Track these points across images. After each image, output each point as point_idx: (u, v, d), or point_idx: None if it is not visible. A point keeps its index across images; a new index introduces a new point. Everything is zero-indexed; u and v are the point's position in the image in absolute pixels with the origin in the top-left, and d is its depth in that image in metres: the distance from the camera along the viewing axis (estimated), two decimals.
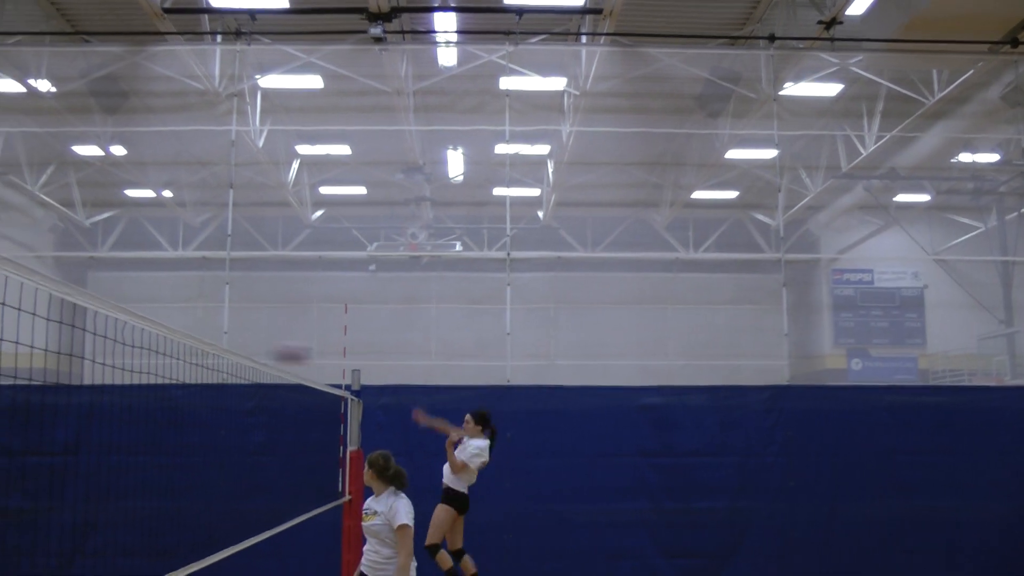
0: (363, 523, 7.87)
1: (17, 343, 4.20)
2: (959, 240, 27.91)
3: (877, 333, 31.19)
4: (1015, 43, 16.70)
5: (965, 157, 24.07)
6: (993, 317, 26.52)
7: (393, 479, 7.97)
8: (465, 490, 11.08)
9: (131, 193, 26.86)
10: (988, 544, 13.81)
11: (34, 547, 10.80)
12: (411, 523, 7.79)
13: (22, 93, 19.10)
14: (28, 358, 4.59)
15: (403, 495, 7.97)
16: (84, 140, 22.21)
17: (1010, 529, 13.85)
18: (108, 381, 5.34)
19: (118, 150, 22.86)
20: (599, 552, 13.54)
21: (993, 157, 24.30)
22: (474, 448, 10.99)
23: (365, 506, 7.99)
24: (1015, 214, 24.53)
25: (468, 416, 11.24)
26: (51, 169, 23.71)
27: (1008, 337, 26.44)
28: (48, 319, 4.38)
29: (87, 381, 5.47)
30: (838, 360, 30.74)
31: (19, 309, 3.96)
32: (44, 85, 18.73)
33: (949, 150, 22.66)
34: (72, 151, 23.40)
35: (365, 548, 7.93)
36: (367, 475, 8.04)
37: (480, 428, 11.20)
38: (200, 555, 6.23)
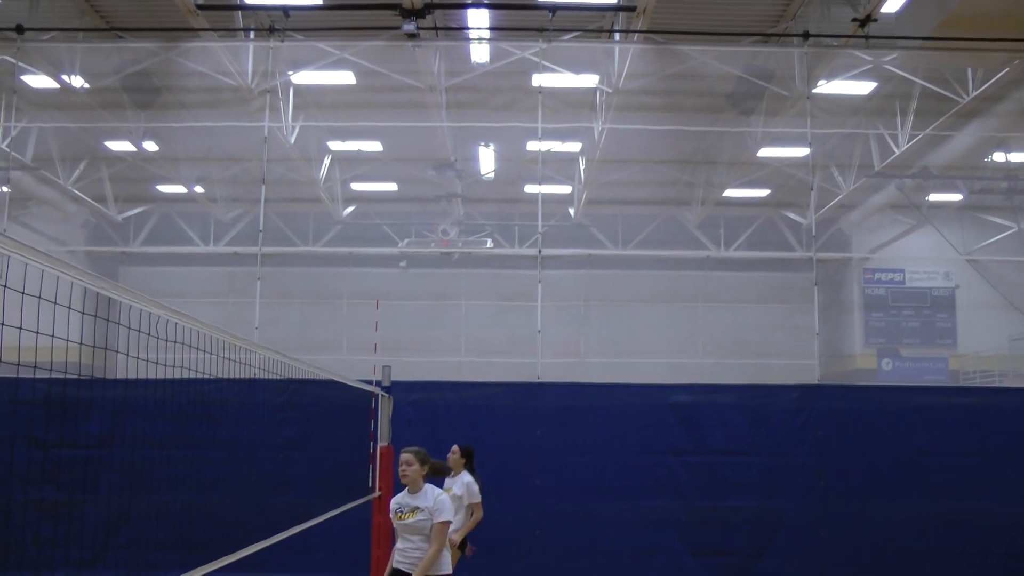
0: (401, 521, 7.75)
1: (53, 336, 4.23)
2: (991, 240, 27.68)
3: (908, 333, 30.97)
4: None
5: (998, 156, 23.87)
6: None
7: (434, 474, 8.02)
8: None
9: (163, 188, 27.01)
10: (1014, 545, 13.73)
11: (68, 539, 10.90)
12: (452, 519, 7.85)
13: (55, 89, 19.21)
14: (63, 352, 4.63)
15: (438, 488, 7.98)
16: (116, 136, 22.33)
17: None
18: (140, 375, 5.37)
19: (150, 146, 22.98)
20: (628, 550, 13.54)
21: None
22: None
23: (398, 504, 7.85)
24: None
25: (455, 448, 10.87)
26: (83, 164, 23.84)
27: None
28: (83, 312, 4.42)
29: (120, 375, 5.49)
30: (868, 360, 30.55)
31: (55, 303, 3.99)
32: (77, 81, 18.82)
33: (982, 149, 22.46)
34: (105, 147, 23.54)
35: (401, 546, 7.81)
36: (418, 471, 7.87)
37: (464, 462, 10.82)
38: (230, 550, 6.26)
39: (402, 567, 7.77)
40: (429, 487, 7.88)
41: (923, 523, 13.75)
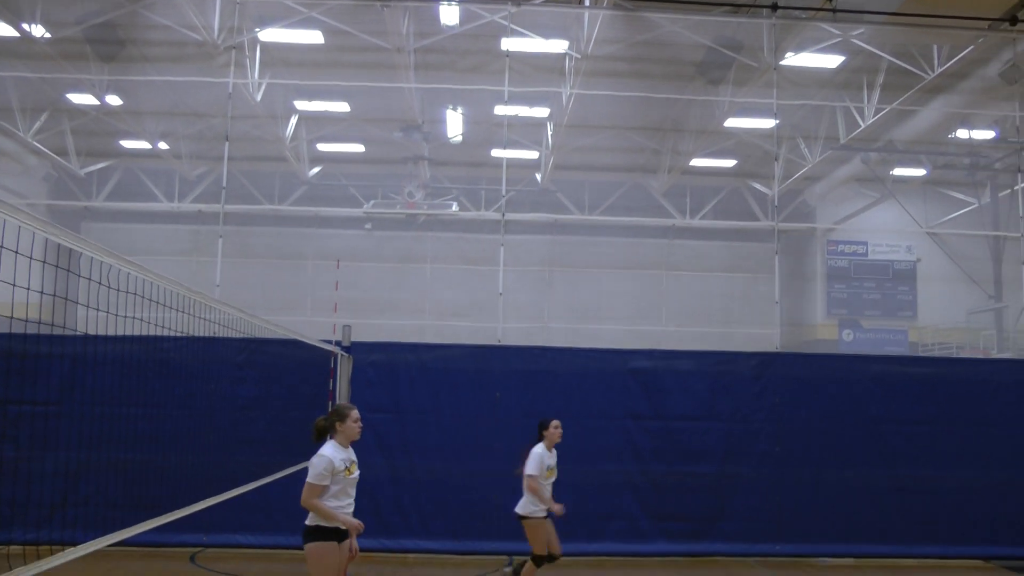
0: (349, 476, 7.52)
1: (14, 286, 4.21)
2: (953, 215, 27.98)
3: (869, 305, 31.28)
4: (1014, 21, 16.73)
5: (962, 133, 24.05)
6: (983, 291, 26.61)
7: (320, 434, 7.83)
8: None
9: (127, 144, 26.74)
10: (967, 512, 14.00)
11: (28, 498, 10.85)
12: None
13: (16, 38, 18.88)
14: (23, 308, 4.61)
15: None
16: (79, 88, 22.02)
17: (987, 498, 14.04)
18: (100, 330, 5.34)
19: (114, 99, 22.70)
20: (586, 513, 13.63)
21: (989, 134, 24.29)
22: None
23: (342, 459, 7.49)
24: (1008, 191, 24.54)
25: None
26: (45, 116, 23.58)
27: (996, 311, 26.55)
28: (44, 262, 4.40)
29: (80, 330, 5.46)
30: (830, 330, 30.84)
31: (16, 252, 3.97)
32: (39, 30, 18.53)
33: (946, 125, 22.66)
34: (67, 99, 23.25)
35: (343, 503, 7.49)
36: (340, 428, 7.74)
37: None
38: (185, 503, 6.27)
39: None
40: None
41: (877, 489, 13.96)
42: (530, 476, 10.13)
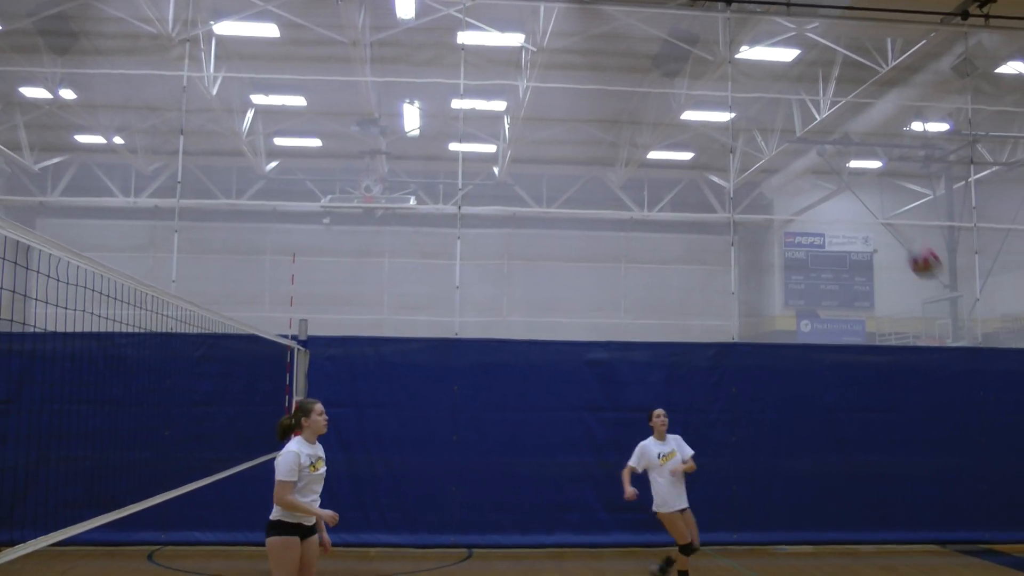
0: (315, 472, 7.51)
1: None
2: (909, 207, 28.26)
3: (827, 296, 31.55)
4: (966, 15, 16.95)
5: (916, 126, 24.33)
6: (938, 281, 26.89)
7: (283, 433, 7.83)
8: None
9: (81, 138, 26.45)
10: (922, 497, 14.21)
11: None
12: None
13: None
14: None
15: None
16: (32, 81, 21.74)
17: (942, 483, 14.26)
18: (57, 327, 5.30)
19: (68, 93, 22.44)
20: (544, 504, 13.71)
21: (943, 126, 24.60)
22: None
23: (308, 456, 7.49)
24: (962, 182, 24.77)
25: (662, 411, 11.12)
26: None
27: (951, 301, 26.83)
28: (3, 259, 4.36)
29: (36, 326, 5.41)
30: (788, 321, 31.06)
31: None
32: None
33: (901, 118, 22.90)
34: (19, 93, 22.96)
35: (310, 499, 7.48)
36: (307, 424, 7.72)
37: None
38: (140, 498, 6.25)
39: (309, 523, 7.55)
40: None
41: (833, 476, 14.14)
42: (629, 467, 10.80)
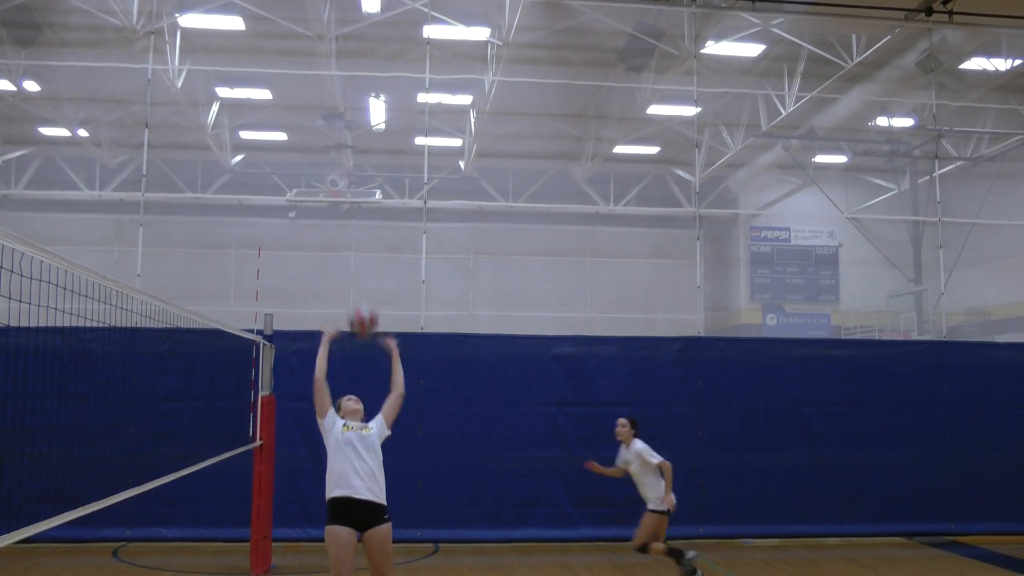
0: (345, 432, 7.60)
1: None
2: (873, 201, 28.52)
3: (792, 289, 31.78)
4: (929, 11, 17.08)
5: (881, 121, 24.55)
6: (903, 275, 27.12)
7: None
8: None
9: (45, 131, 26.24)
10: (888, 490, 14.33)
11: None
12: None
13: None
14: None
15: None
16: None
17: (908, 476, 14.37)
18: (18, 323, 5.25)
19: (31, 85, 22.25)
20: (512, 499, 13.71)
21: (908, 122, 24.82)
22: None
23: (344, 421, 7.73)
24: (927, 177, 25.01)
25: (623, 420, 11.18)
26: None
27: (916, 294, 27.09)
28: None
29: None
30: (754, 315, 31.26)
31: None
32: None
33: (866, 113, 23.09)
34: None
35: (356, 467, 7.47)
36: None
37: (633, 433, 11.13)
38: (104, 495, 6.21)
39: (363, 495, 7.45)
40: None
41: (799, 471, 14.22)
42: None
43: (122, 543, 12.98)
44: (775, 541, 14.06)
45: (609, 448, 13.85)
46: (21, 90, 22.13)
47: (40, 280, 5.11)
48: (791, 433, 14.34)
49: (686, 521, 13.82)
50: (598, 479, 13.64)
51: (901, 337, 26.09)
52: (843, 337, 28.59)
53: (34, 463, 6.89)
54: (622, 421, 11.12)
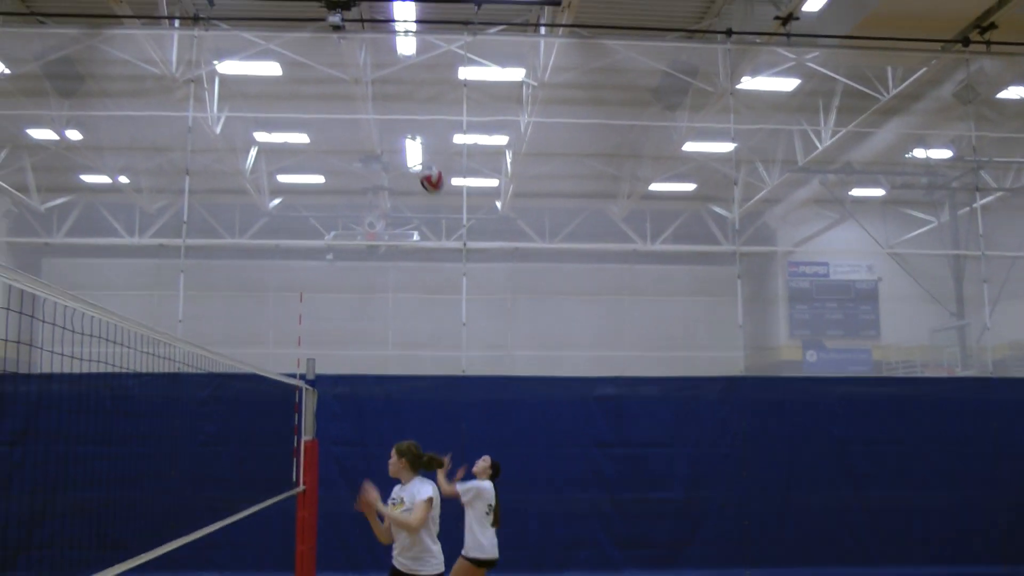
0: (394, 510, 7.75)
1: None
2: (913, 234, 28.27)
3: (832, 325, 31.50)
4: (967, 42, 16.97)
5: (919, 153, 24.39)
6: (945, 309, 26.83)
7: (427, 465, 7.99)
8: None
9: (87, 178, 26.54)
10: (935, 531, 14.10)
11: None
12: (437, 497, 7.83)
13: None
14: None
15: (429, 480, 7.99)
16: (39, 123, 21.88)
17: (956, 516, 14.13)
18: (60, 369, 5.29)
19: (74, 134, 22.56)
20: (554, 542, 13.62)
21: (946, 153, 24.64)
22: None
23: (392, 495, 7.93)
24: (966, 209, 24.79)
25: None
26: (4, 153, 23.37)
27: (959, 329, 26.76)
28: (7, 308, 4.35)
29: (41, 370, 5.39)
30: (793, 352, 30.99)
31: None
32: None
33: (903, 146, 22.95)
34: (26, 134, 23.08)
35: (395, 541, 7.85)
36: (397, 465, 7.95)
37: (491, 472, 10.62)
38: (151, 546, 6.20)
39: (395, 563, 7.82)
40: (417, 479, 7.92)
41: (845, 511, 14.04)
42: None
43: None
44: None
45: (653, 489, 13.78)
46: (64, 139, 22.43)
47: (92, 336, 5.14)
48: (836, 473, 14.17)
49: (732, 563, 13.69)
50: (642, 520, 13.55)
51: (945, 372, 25.80)
52: (884, 372, 28.32)
53: (78, 508, 6.90)
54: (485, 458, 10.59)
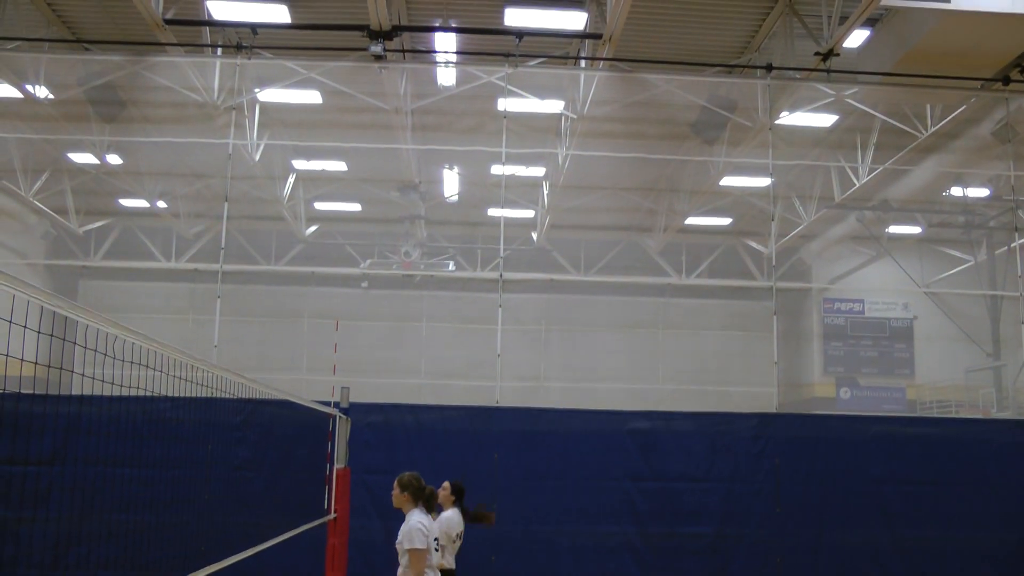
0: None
1: (7, 355, 4.19)
2: (949, 273, 28.06)
3: (866, 363, 31.29)
4: (1007, 81, 16.87)
5: (956, 191, 24.27)
6: (981, 350, 26.61)
7: (428, 500, 7.94)
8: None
9: (125, 203, 26.84)
10: (970, 574, 13.88)
11: (15, 558, 10.74)
12: (424, 546, 7.62)
13: (19, 99, 19.03)
14: (17, 366, 4.58)
15: (422, 515, 7.84)
16: (80, 148, 22.19)
17: (993, 559, 13.93)
18: (96, 392, 5.32)
19: (114, 159, 22.84)
20: (585, 574, 13.53)
21: (983, 192, 24.51)
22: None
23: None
24: (1004, 248, 24.62)
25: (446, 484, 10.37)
26: (46, 176, 23.65)
27: (995, 370, 26.52)
28: (39, 332, 4.38)
29: (75, 391, 5.44)
30: (827, 389, 30.80)
31: (10, 321, 3.96)
32: (42, 91, 18.66)
33: (941, 184, 22.83)
34: (68, 158, 23.39)
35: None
36: (400, 498, 7.91)
37: (453, 499, 10.28)
38: (182, 571, 6.21)
39: None
40: (413, 513, 7.82)
41: (878, 551, 13.87)
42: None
43: None
44: None
45: (686, 524, 13.68)
46: (104, 164, 22.69)
47: (131, 362, 5.17)
48: (870, 512, 14.01)
49: None
50: (673, 555, 13.46)
51: (980, 413, 25.55)
52: (919, 412, 28.07)
53: (109, 530, 6.92)
54: (445, 485, 10.18)
